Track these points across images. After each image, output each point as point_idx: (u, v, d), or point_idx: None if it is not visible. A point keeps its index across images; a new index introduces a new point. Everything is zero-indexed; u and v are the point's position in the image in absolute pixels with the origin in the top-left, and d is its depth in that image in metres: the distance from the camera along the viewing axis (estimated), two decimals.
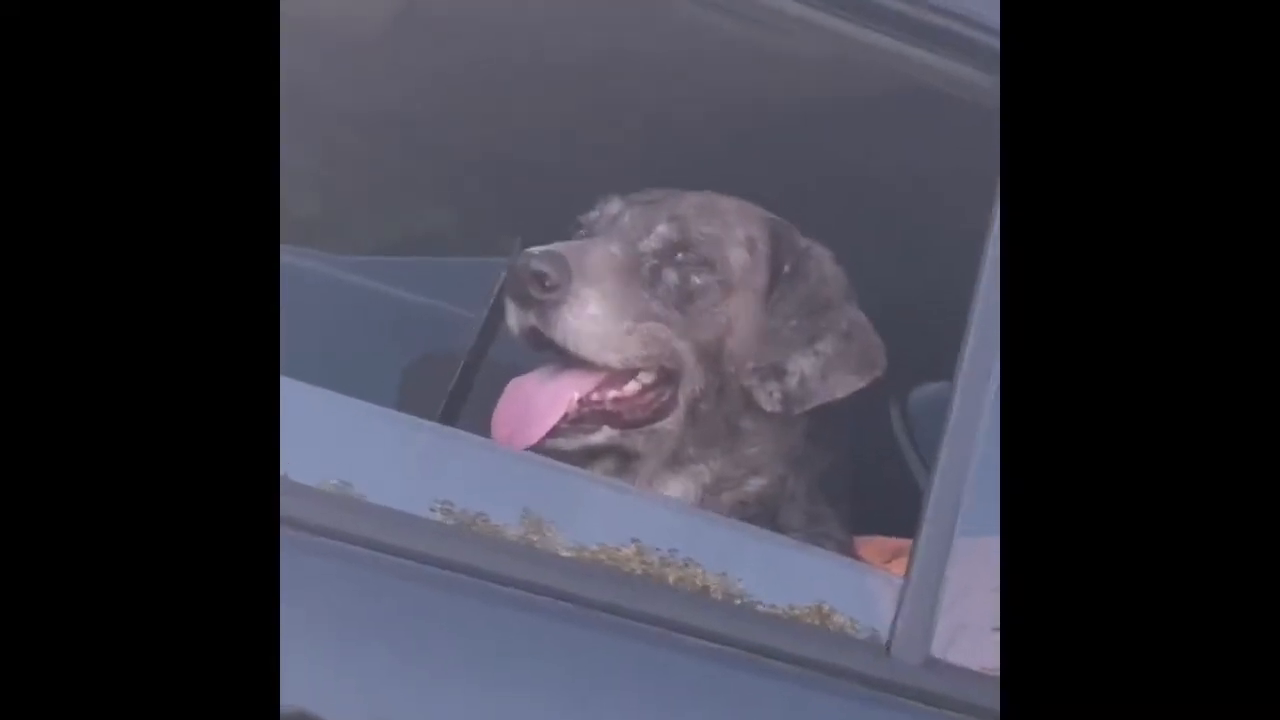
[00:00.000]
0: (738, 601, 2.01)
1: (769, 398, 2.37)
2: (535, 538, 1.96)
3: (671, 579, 1.99)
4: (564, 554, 1.96)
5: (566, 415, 2.31)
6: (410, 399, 3.11)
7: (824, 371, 2.39)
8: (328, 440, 1.96)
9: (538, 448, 2.28)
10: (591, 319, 2.30)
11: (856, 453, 2.59)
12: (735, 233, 2.45)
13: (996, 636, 2.01)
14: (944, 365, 2.16)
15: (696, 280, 2.40)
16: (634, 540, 1.99)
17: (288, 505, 1.81)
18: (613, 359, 2.33)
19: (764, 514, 2.37)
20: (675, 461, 2.38)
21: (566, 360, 2.33)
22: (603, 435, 2.34)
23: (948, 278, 2.21)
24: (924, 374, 3.22)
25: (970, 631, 2.07)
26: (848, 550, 2.42)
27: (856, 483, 2.53)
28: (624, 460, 2.36)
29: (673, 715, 1.96)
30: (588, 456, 2.33)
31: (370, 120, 2.65)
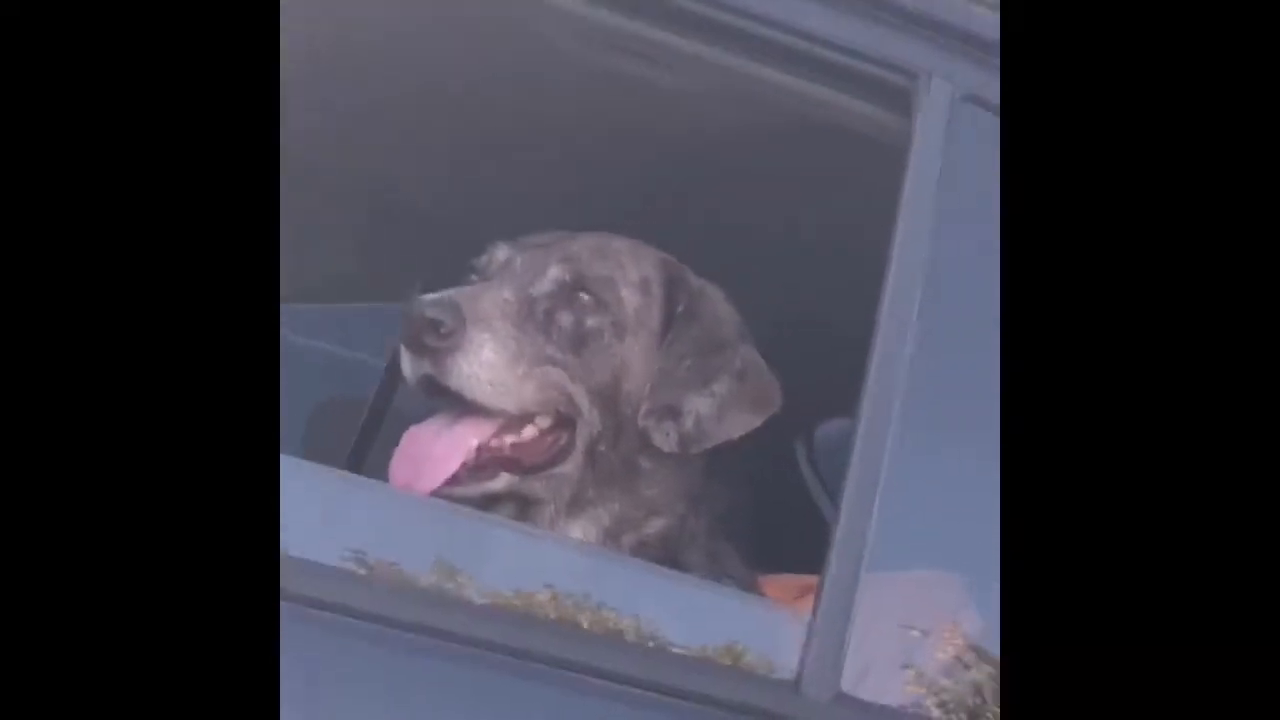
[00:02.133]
0: (650, 644, 2.02)
1: (665, 439, 2.38)
2: (448, 585, 1.95)
3: (585, 623, 1.99)
4: (478, 601, 1.96)
5: (465, 463, 2.30)
6: (315, 447, 3.09)
7: (719, 411, 2.40)
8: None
9: (436, 495, 2.26)
10: (486, 365, 2.30)
11: (762, 491, 2.60)
12: (629, 273, 2.46)
13: (905, 673, 2.08)
14: (848, 401, 2.17)
15: (590, 322, 2.40)
16: (547, 585, 1.99)
17: None
18: (509, 404, 2.32)
19: (665, 555, 2.38)
20: (575, 505, 2.38)
21: (463, 407, 2.32)
22: (501, 482, 2.34)
23: (850, 312, 2.22)
24: (828, 410, 3.23)
25: (879, 667, 2.08)
26: (750, 586, 2.42)
27: (759, 520, 2.54)
28: (524, 506, 2.36)
29: None
30: (487, 503, 2.32)
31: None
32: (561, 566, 2.09)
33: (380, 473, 2.31)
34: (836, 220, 2.63)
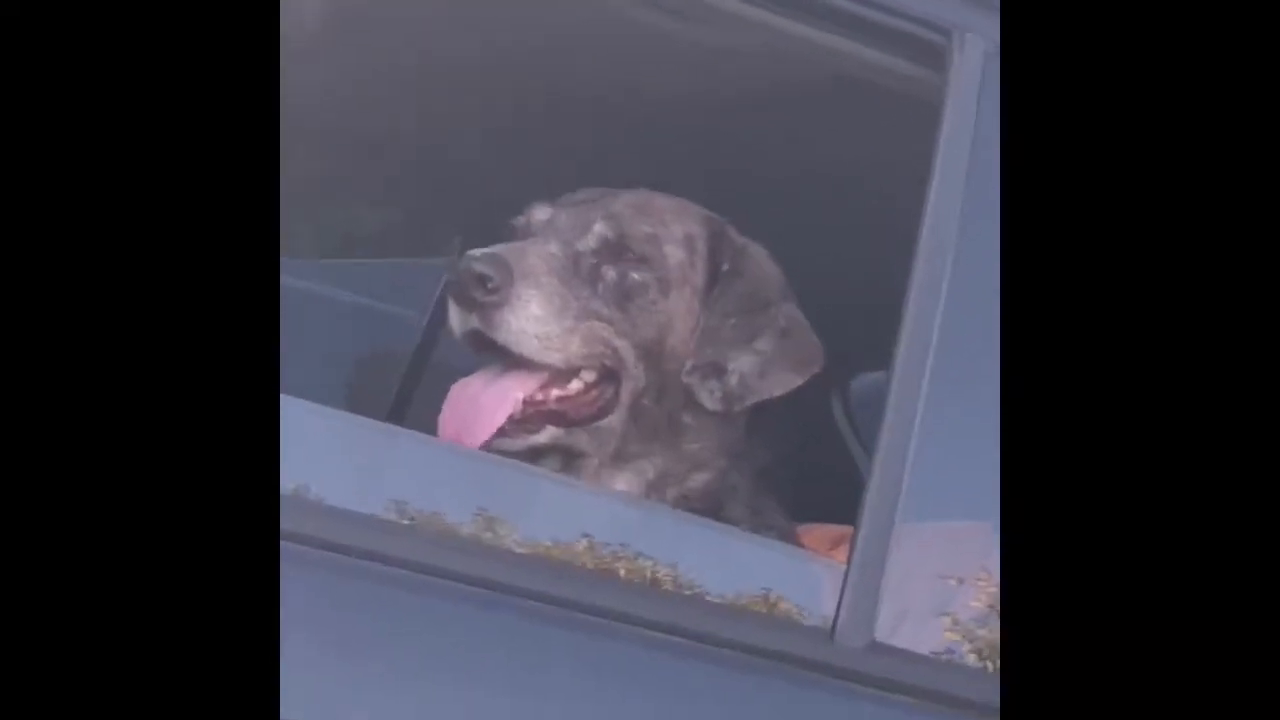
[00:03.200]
0: (687, 592, 2.04)
1: (710, 396, 2.40)
2: (488, 535, 1.98)
3: (622, 572, 2.02)
4: (517, 550, 1.99)
5: (512, 416, 2.32)
6: (357, 400, 3.11)
7: (763, 369, 2.42)
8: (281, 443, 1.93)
9: (483, 449, 2.29)
10: (534, 320, 2.32)
11: (799, 443, 2.61)
12: (673, 230, 2.47)
13: (939, 620, 2.10)
14: (883, 354, 2.18)
15: (635, 277, 2.42)
16: (585, 535, 2.02)
17: None
18: (555, 359, 2.34)
19: (708, 508, 2.39)
20: (619, 458, 2.40)
21: (509, 361, 2.34)
22: (547, 435, 2.36)
23: (884, 267, 2.24)
24: (864, 363, 3.25)
25: (913, 616, 2.10)
26: (790, 539, 2.44)
27: (799, 473, 2.56)
28: (569, 459, 2.38)
29: (626, 705, 1.98)
30: (532, 456, 2.34)
31: (307, 124, 2.66)
32: (599, 517, 2.11)
33: (421, 425, 2.33)
34: (872, 176, 2.64)
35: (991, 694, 2.02)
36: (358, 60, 2.73)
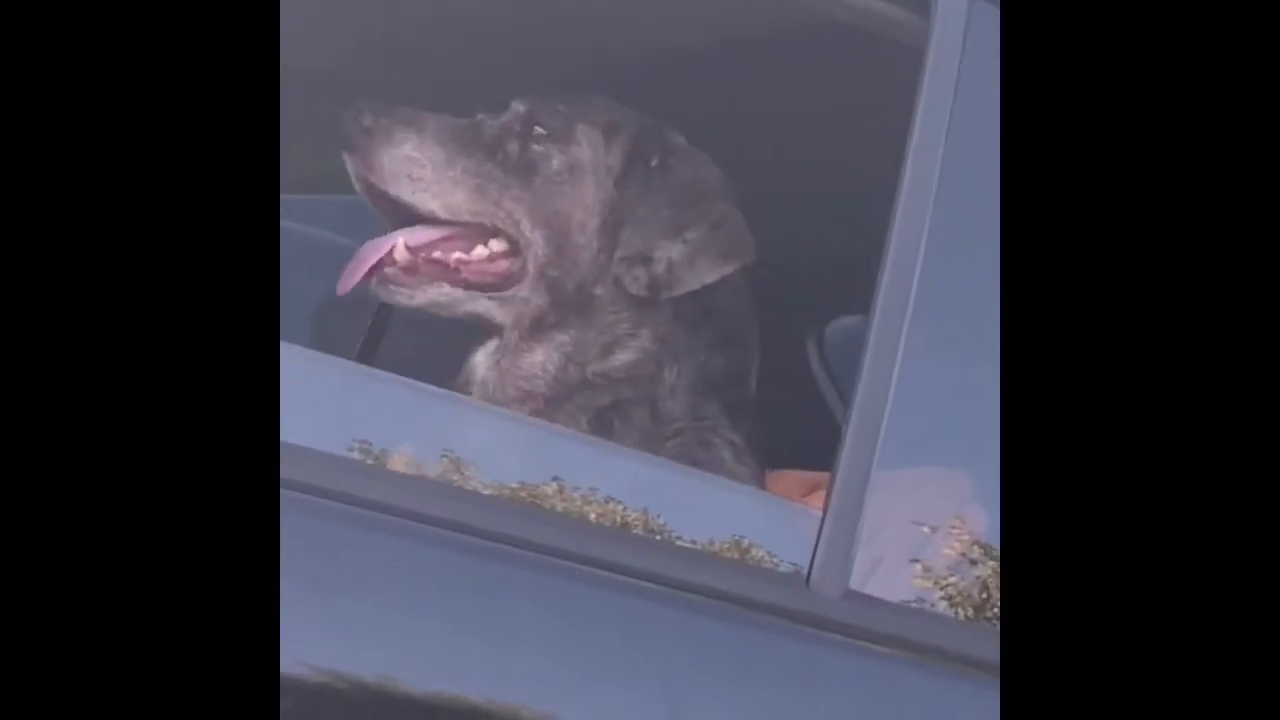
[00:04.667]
0: (657, 537, 2.01)
1: (635, 282, 2.37)
2: (455, 476, 1.95)
3: (592, 516, 1.99)
4: (484, 492, 1.96)
5: (394, 263, 2.33)
6: (325, 338, 3.08)
7: (691, 257, 2.39)
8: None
9: (364, 288, 2.31)
10: (406, 160, 2.34)
11: (771, 386, 2.58)
12: (593, 116, 2.46)
13: (913, 568, 2.08)
14: (861, 299, 2.16)
15: (538, 149, 2.42)
16: (555, 478, 1.99)
17: None
18: (435, 205, 2.36)
19: (638, 397, 2.37)
20: (536, 330, 2.38)
21: (408, 217, 2.35)
22: (443, 293, 2.37)
23: (863, 212, 2.20)
24: (841, 308, 3.22)
25: (887, 563, 2.08)
26: (748, 466, 2.40)
27: (767, 409, 2.51)
28: (487, 331, 2.38)
29: (597, 650, 1.96)
30: (458, 336, 2.33)
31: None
32: (569, 459, 2.08)
33: (393, 364, 2.27)
34: (852, 121, 2.61)
35: (965, 643, 2.05)
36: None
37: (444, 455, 1.95)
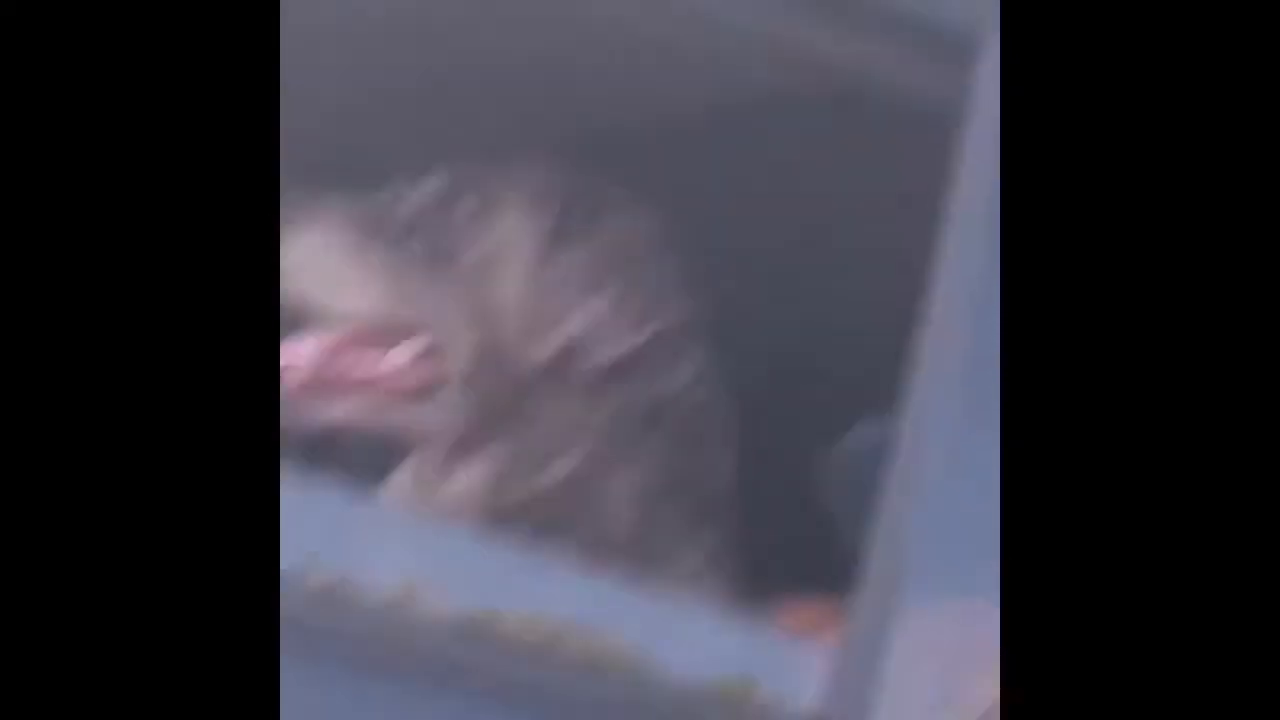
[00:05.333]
0: (645, 674, 1.80)
1: (539, 354, 2.11)
2: (412, 601, 1.72)
3: (572, 648, 1.77)
4: (448, 620, 1.73)
5: (290, 375, 2.07)
6: None
7: (604, 322, 2.13)
8: None
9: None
10: (308, 253, 2.10)
11: (775, 503, 2.40)
12: (520, 184, 2.19)
13: (943, 715, 1.88)
14: (877, 406, 2.02)
15: (456, 234, 2.15)
16: (529, 605, 1.77)
17: None
18: (346, 304, 2.11)
19: (579, 513, 2.09)
20: (461, 448, 2.10)
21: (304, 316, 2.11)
22: (350, 408, 2.10)
23: (888, 302, 2.02)
24: (859, 412, 3.04)
25: (914, 708, 1.88)
26: (713, 575, 2.17)
27: (768, 530, 2.26)
28: (405, 446, 2.13)
29: None
30: (376, 457, 2.10)
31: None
32: (544, 583, 1.85)
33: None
34: (874, 198, 2.46)
35: None
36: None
37: (401, 577, 1.73)
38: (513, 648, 1.74)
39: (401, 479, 2.13)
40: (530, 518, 2.06)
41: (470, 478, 2.11)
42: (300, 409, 2.08)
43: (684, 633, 1.88)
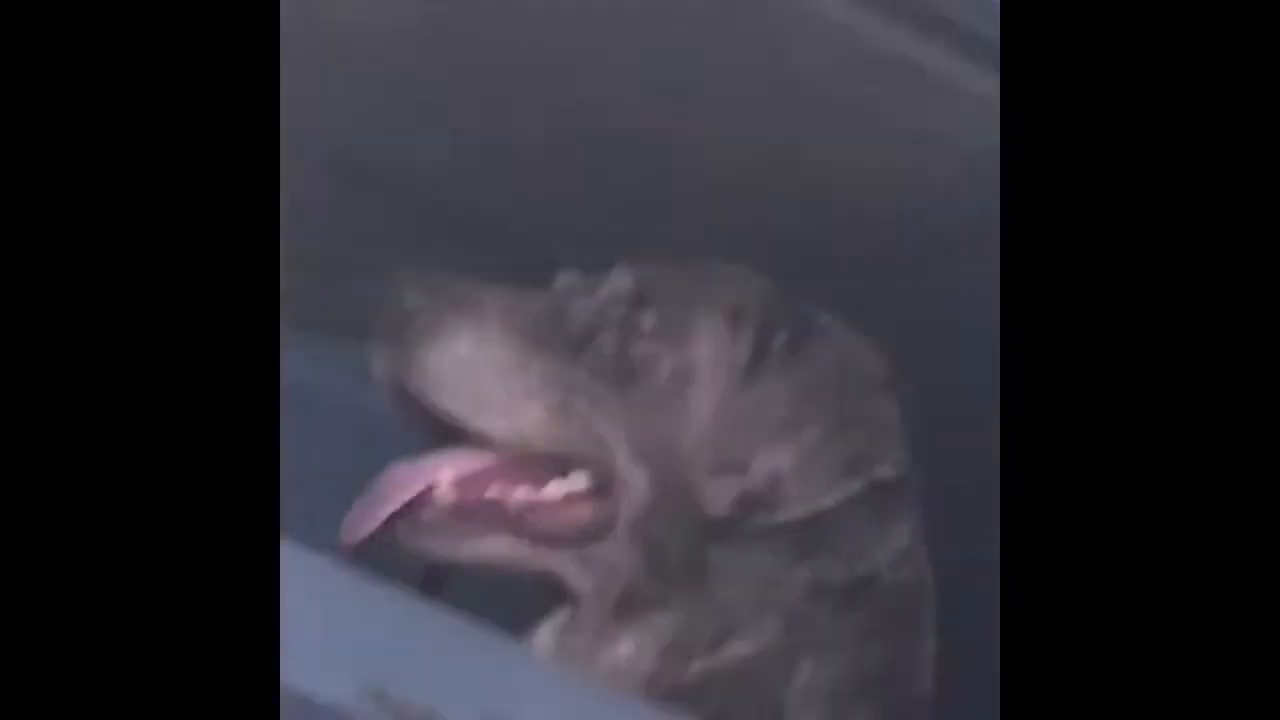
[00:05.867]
0: None
1: (718, 497, 1.85)
2: None
3: None
4: None
5: (431, 501, 1.84)
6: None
7: (802, 469, 1.87)
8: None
9: (389, 549, 1.79)
10: (461, 364, 1.85)
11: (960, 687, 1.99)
12: (716, 292, 1.95)
13: None
14: None
15: (644, 349, 1.90)
16: None
17: None
18: (500, 427, 1.86)
19: (758, 706, 1.83)
20: (626, 604, 1.84)
21: (451, 437, 1.89)
22: (502, 546, 1.85)
23: None
24: None
25: None
26: None
27: None
28: (569, 608, 1.87)
29: None
30: (511, 599, 1.84)
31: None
32: None
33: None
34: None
35: None
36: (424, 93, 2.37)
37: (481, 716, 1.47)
38: None
39: (545, 634, 1.88)
40: (697, 701, 1.81)
41: (633, 645, 1.85)
42: (441, 537, 1.87)
43: None
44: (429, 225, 2.48)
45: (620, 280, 1.94)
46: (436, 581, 1.99)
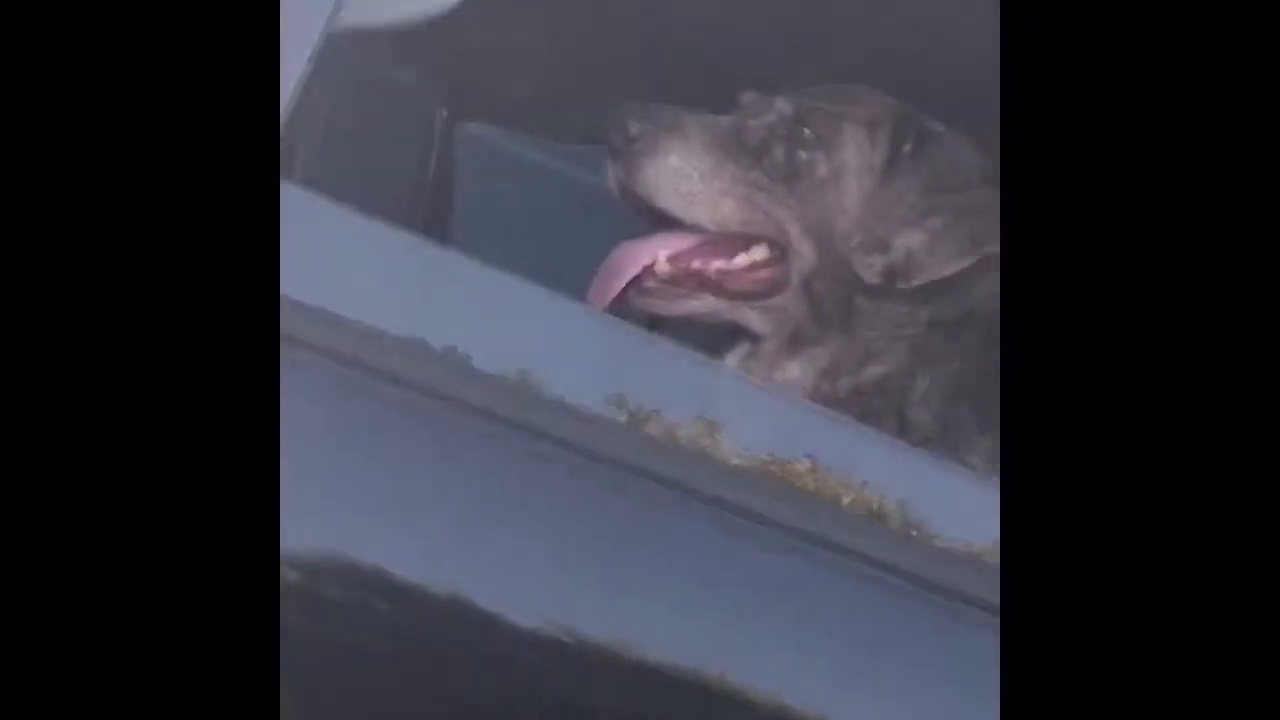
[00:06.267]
0: (914, 533, 1.91)
1: (869, 269, 2.30)
2: (708, 441, 1.87)
3: (846, 501, 1.89)
4: (734, 461, 1.87)
5: (653, 272, 2.29)
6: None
7: (930, 247, 2.31)
8: (509, 327, 1.89)
9: (623, 308, 2.25)
10: (673, 172, 2.28)
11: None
12: (856, 111, 2.39)
13: None
14: None
15: (806, 155, 2.34)
16: (809, 455, 1.89)
17: (468, 392, 1.80)
18: (703, 217, 2.30)
19: (887, 407, 2.29)
20: (794, 342, 2.32)
21: (665, 224, 2.31)
22: (704, 304, 2.32)
23: None
24: None
25: None
26: (995, 464, 2.22)
27: None
28: (749, 343, 2.33)
29: (838, 638, 1.89)
30: (708, 336, 2.27)
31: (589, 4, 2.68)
32: (825, 437, 1.96)
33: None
34: None
35: None
36: None
37: (697, 416, 1.87)
38: (797, 493, 1.88)
39: (731, 361, 2.33)
40: (844, 409, 2.23)
41: (797, 370, 2.33)
42: (661, 299, 2.32)
43: (954, 499, 1.98)
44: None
45: (783, 105, 2.37)
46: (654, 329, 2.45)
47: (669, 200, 2.30)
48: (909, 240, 2.31)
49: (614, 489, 1.84)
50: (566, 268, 2.18)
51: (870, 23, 2.68)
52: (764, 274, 2.34)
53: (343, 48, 1.94)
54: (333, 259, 1.80)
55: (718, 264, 2.33)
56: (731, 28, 2.76)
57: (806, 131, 2.36)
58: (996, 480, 2.06)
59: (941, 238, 2.32)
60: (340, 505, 1.77)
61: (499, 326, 1.85)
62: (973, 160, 2.41)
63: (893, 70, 2.51)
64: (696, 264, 2.32)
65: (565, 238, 2.61)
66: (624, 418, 1.85)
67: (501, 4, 2.63)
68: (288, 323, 1.70)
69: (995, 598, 1.84)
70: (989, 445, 2.28)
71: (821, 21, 2.70)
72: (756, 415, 1.94)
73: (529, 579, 1.81)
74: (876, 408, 2.29)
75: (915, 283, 2.31)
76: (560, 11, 2.75)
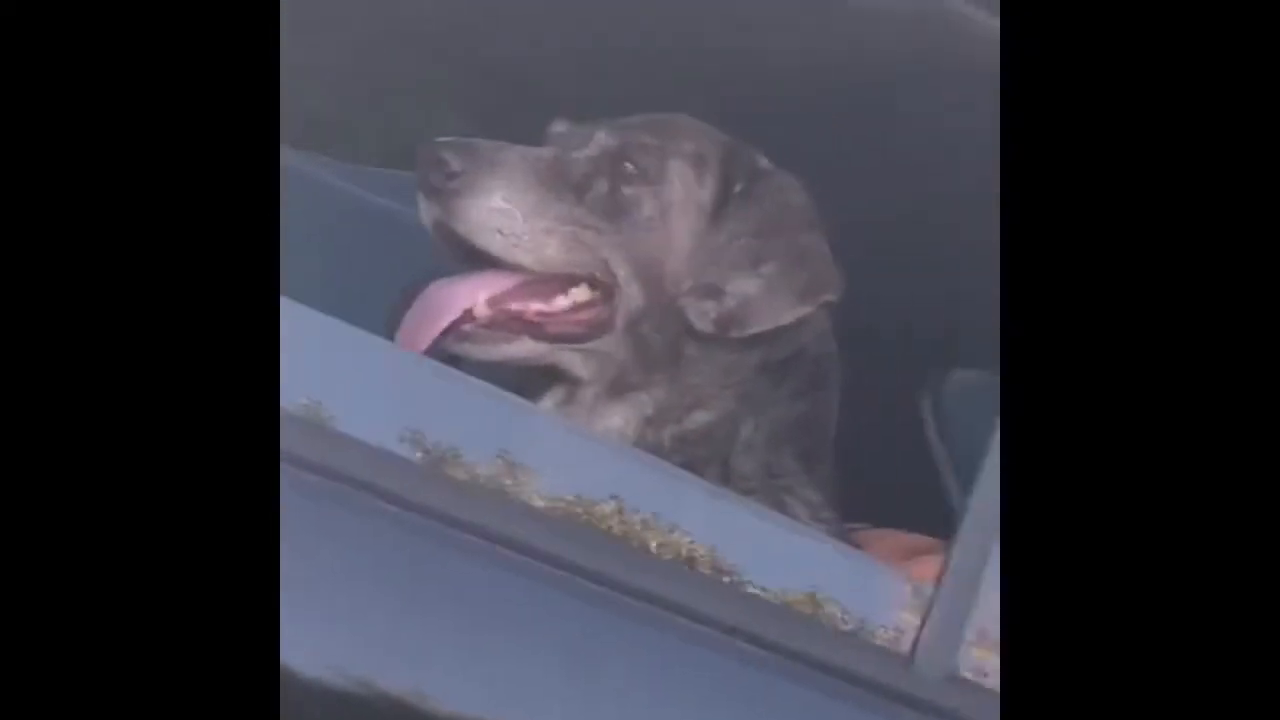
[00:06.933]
0: (726, 579, 1.84)
1: (703, 317, 2.20)
2: (508, 481, 1.78)
3: (654, 545, 1.82)
4: (537, 503, 1.79)
5: (470, 316, 2.17)
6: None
7: (766, 294, 2.22)
8: (297, 357, 1.75)
9: (437, 351, 2.12)
10: (496, 213, 2.17)
11: (877, 442, 2.43)
12: (682, 146, 2.29)
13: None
14: (980, 352, 2.02)
15: (629, 191, 2.25)
16: (614, 496, 1.81)
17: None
18: (525, 259, 2.19)
19: (711, 456, 2.20)
20: (617, 388, 2.21)
21: (484, 264, 2.20)
22: (525, 348, 2.20)
23: (983, 261, 2.00)
24: (959, 360, 3.04)
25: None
26: (820, 514, 2.24)
27: (872, 472, 2.32)
28: (564, 387, 2.22)
29: (640, 691, 1.82)
30: (523, 380, 2.18)
31: (387, 20, 2.57)
32: (632, 479, 1.91)
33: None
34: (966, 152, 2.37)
35: None
36: None
37: (497, 455, 1.79)
38: (601, 536, 1.81)
39: (550, 405, 2.22)
40: (667, 457, 2.14)
41: (620, 418, 2.22)
42: (479, 343, 2.17)
43: (769, 545, 1.94)
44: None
45: (605, 139, 2.26)
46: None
47: (490, 241, 2.18)
48: (743, 287, 2.23)
49: (408, 530, 1.74)
50: (361, 294, 2.11)
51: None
52: (586, 316, 2.23)
53: None
54: None
55: (538, 306, 2.21)
56: (537, 44, 2.69)
57: (629, 166, 2.26)
58: (816, 528, 2.10)
59: (777, 286, 2.24)
60: None
61: (286, 356, 1.72)
62: (801, 200, 2.32)
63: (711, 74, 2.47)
64: (515, 306, 2.21)
65: (360, 263, 2.50)
66: (419, 455, 1.76)
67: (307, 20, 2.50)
68: None
69: (809, 648, 1.85)
70: (815, 495, 2.23)
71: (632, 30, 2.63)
72: (561, 455, 1.87)
73: (311, 628, 1.70)
74: (701, 456, 2.19)
75: (749, 332, 2.22)
76: (364, 28, 2.66)
